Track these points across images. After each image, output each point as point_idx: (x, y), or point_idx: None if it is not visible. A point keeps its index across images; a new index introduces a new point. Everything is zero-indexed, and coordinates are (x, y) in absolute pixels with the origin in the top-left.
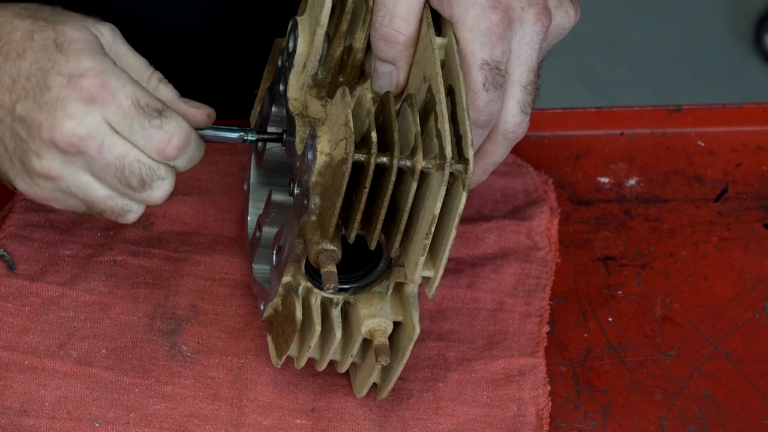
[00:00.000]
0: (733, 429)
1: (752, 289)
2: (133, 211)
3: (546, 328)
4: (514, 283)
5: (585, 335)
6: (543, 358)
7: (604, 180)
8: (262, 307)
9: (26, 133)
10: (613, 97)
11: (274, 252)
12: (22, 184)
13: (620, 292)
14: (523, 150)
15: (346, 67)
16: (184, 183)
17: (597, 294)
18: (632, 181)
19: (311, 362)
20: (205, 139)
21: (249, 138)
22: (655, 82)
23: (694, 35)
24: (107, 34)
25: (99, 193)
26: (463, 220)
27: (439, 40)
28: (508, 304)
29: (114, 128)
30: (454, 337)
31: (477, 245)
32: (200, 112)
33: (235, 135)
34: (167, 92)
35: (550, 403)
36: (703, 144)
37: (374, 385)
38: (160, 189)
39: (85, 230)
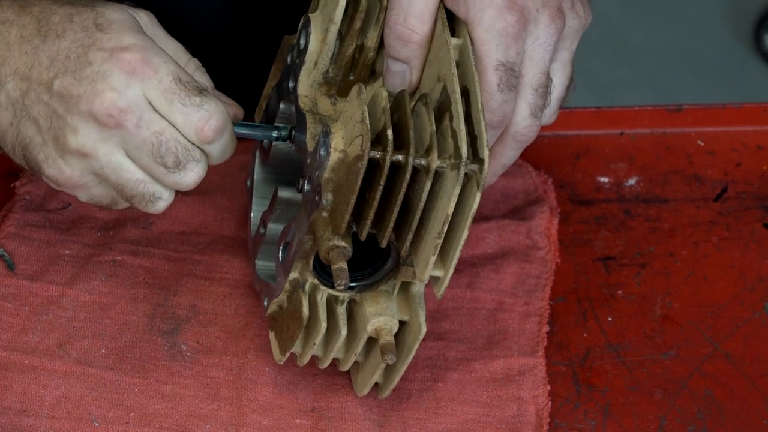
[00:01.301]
0: (733, 429)
1: (752, 288)
2: (163, 199)
3: (546, 328)
4: (513, 282)
5: (585, 335)
6: (543, 357)
7: (604, 180)
8: (265, 303)
9: (63, 108)
10: (613, 97)
11: (281, 248)
12: (52, 168)
13: (620, 292)
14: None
15: (357, 66)
16: None
17: (597, 294)
18: (632, 181)
19: (313, 360)
20: (238, 137)
21: (283, 134)
22: (655, 82)
23: (694, 35)
24: (144, 17)
25: (131, 175)
26: None
27: (454, 41)
28: (507, 303)
29: (153, 105)
30: (453, 337)
31: (477, 245)
32: (231, 108)
33: (270, 133)
34: (203, 80)
35: (550, 402)
36: (703, 144)
37: (375, 384)
38: (194, 172)
39: (84, 230)
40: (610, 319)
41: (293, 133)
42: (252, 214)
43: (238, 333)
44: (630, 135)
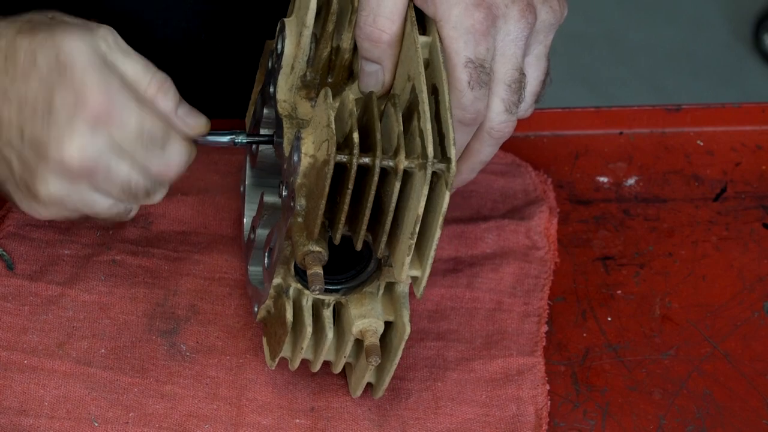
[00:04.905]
0: (732, 428)
1: (751, 288)
2: (134, 210)
3: (545, 328)
4: (512, 282)
5: (584, 335)
6: (542, 357)
7: (603, 179)
8: (256, 309)
9: (34, 157)
10: (612, 96)
11: (266, 254)
12: (27, 208)
13: (619, 292)
14: (522, 150)
15: (335, 68)
16: (183, 182)
17: (596, 293)
18: (631, 181)
19: (307, 363)
20: (197, 144)
21: (240, 140)
22: (654, 81)
23: (694, 35)
24: (103, 43)
25: (104, 204)
26: (462, 220)
27: (422, 39)
28: (506, 303)
29: (119, 152)
30: (452, 337)
31: (476, 245)
32: (195, 127)
33: (226, 138)
34: (165, 104)
35: (549, 402)
36: (702, 144)
37: (370, 384)
38: (161, 194)
39: (84, 230)
40: (609, 318)
41: (275, 138)
42: (245, 219)
43: (238, 333)
44: (629, 135)
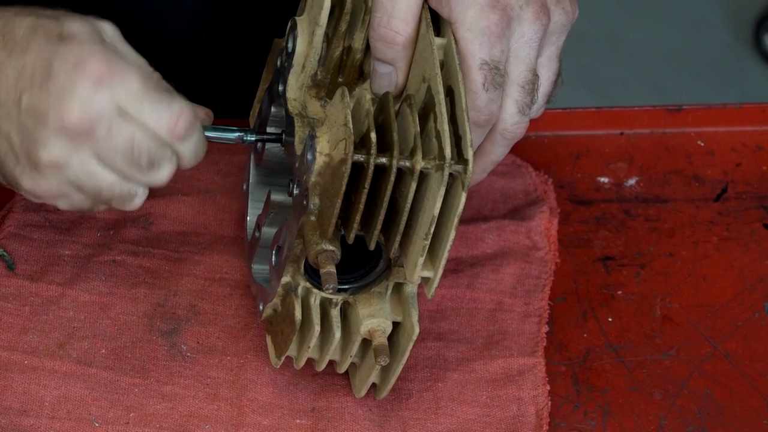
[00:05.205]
0: (732, 429)
1: (752, 288)
2: (138, 195)
3: (545, 328)
4: (513, 283)
5: (585, 335)
6: (542, 357)
7: (604, 180)
8: (261, 307)
9: (33, 123)
10: (613, 96)
11: (274, 252)
12: (29, 181)
13: (620, 292)
14: (522, 150)
15: (346, 68)
16: (184, 183)
17: (596, 294)
18: (632, 181)
19: (311, 362)
20: (208, 140)
21: (248, 138)
22: (654, 82)
23: (694, 35)
24: (109, 30)
25: (107, 179)
26: (463, 220)
27: (438, 41)
28: (507, 304)
29: (123, 109)
30: (453, 337)
31: (476, 245)
32: (199, 111)
33: (234, 135)
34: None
35: (550, 402)
36: (702, 144)
37: (373, 385)
38: (167, 169)
39: (84, 230)
40: (610, 319)
41: (284, 136)
42: (248, 218)
43: (238, 333)
44: (630, 135)
